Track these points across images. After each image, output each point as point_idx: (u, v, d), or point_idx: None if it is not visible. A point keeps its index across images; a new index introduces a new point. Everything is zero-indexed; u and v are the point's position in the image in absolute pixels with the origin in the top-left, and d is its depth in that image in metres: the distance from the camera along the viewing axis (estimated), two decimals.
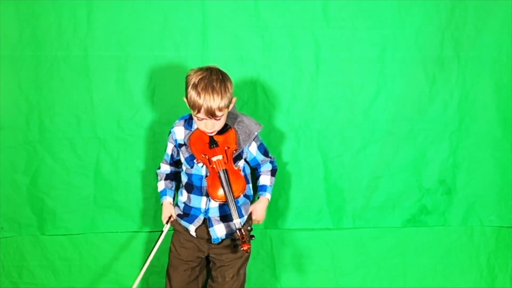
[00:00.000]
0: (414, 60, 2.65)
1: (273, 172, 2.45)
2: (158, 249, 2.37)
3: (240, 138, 2.27)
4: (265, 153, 2.41)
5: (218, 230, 2.29)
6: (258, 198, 2.45)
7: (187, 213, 2.33)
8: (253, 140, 2.31)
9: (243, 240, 2.13)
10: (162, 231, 2.38)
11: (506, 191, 2.77)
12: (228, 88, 2.15)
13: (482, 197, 2.77)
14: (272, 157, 2.46)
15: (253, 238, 2.17)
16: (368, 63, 2.64)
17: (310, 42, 2.61)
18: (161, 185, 2.44)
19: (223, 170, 2.19)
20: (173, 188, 2.46)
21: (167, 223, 2.38)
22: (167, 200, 2.42)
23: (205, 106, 2.10)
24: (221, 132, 2.24)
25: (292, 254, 2.74)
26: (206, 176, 2.26)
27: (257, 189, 2.46)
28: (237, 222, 2.13)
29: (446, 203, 2.77)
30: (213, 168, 2.20)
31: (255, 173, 2.48)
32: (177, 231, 2.39)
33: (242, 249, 2.13)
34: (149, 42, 2.57)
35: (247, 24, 2.58)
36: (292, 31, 2.60)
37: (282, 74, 2.64)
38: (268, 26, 2.59)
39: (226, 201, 2.17)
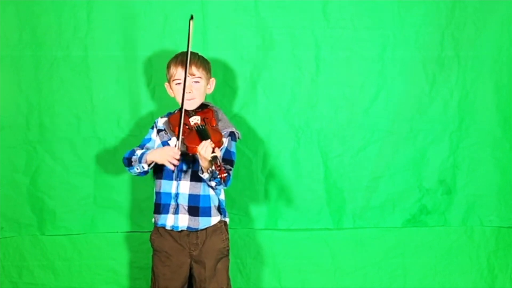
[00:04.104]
0: (414, 60, 2.65)
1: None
2: None
3: (219, 122, 2.24)
4: (229, 159, 2.23)
5: (181, 220, 2.22)
6: None
7: (159, 203, 2.26)
8: (229, 135, 2.24)
9: (219, 167, 2.00)
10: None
11: (506, 191, 2.77)
12: (206, 58, 2.25)
13: (482, 197, 2.77)
14: (229, 172, 2.17)
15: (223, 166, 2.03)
16: (368, 63, 2.65)
17: (310, 42, 2.62)
18: (139, 151, 2.21)
19: (200, 124, 2.15)
20: None
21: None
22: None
23: (183, 61, 2.15)
24: (199, 110, 2.24)
25: (292, 254, 2.73)
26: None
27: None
28: (217, 152, 2.03)
29: (446, 203, 2.77)
30: (191, 129, 2.15)
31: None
32: (156, 251, 2.28)
33: (219, 176, 2.02)
34: (149, 42, 2.57)
35: (247, 24, 2.59)
36: (292, 31, 2.60)
37: (282, 74, 2.64)
38: (268, 26, 2.59)
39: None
